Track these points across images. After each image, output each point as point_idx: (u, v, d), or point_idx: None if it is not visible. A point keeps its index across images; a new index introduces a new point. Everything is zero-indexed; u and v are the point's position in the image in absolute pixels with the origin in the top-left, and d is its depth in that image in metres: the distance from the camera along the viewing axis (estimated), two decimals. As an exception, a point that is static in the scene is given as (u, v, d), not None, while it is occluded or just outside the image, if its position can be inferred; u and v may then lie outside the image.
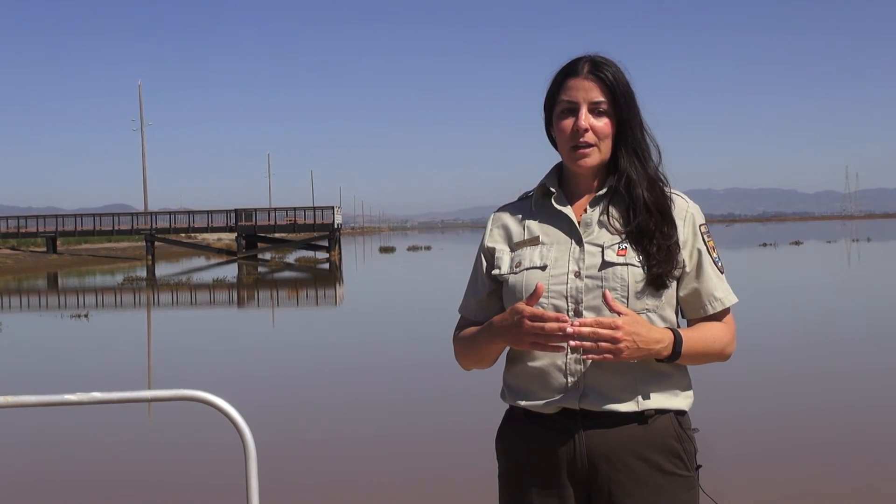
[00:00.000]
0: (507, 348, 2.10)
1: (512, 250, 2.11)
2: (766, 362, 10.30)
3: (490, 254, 2.15)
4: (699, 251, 2.06)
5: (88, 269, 44.02)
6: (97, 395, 2.53)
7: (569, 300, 2.00)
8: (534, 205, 2.15)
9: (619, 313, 1.92)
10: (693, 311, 2.08)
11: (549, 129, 2.14)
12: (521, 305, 1.93)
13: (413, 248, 61.24)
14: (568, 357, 2.00)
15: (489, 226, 2.20)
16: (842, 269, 30.84)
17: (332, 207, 52.92)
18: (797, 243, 53.12)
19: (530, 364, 2.04)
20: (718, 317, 2.09)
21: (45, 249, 52.15)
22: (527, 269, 2.05)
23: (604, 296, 1.95)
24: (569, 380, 2.00)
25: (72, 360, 13.11)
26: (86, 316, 18.94)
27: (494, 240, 2.16)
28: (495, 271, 2.12)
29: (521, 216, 2.15)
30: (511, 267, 2.09)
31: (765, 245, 52.17)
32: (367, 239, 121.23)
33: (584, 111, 2.02)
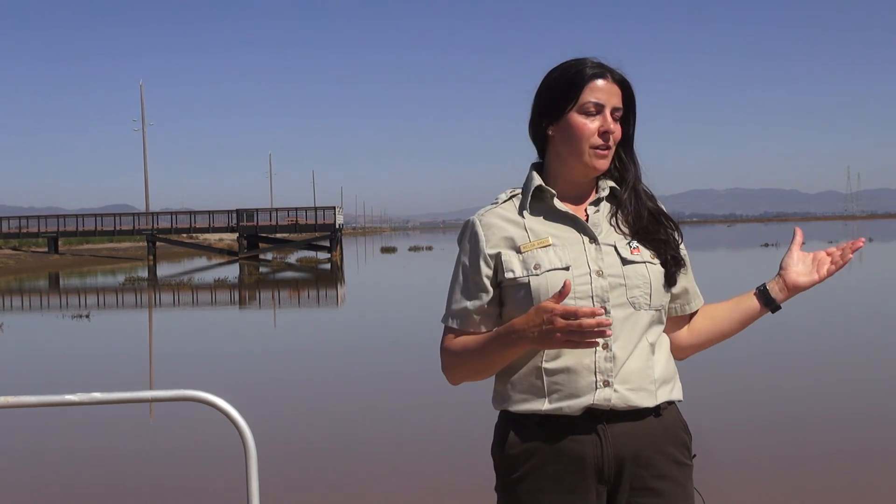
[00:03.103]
0: None
1: (519, 252, 2.04)
2: (757, 362, 10.29)
3: (495, 259, 2.06)
4: (684, 252, 2.16)
5: (90, 270, 44.03)
6: (98, 395, 2.53)
7: (594, 300, 1.99)
8: (528, 207, 2.10)
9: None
10: (679, 306, 2.16)
11: (547, 124, 2.10)
12: (550, 304, 1.87)
13: (414, 249, 61.19)
14: (597, 354, 1.97)
15: (481, 231, 2.09)
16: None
17: (334, 208, 52.94)
18: (799, 244, 52.93)
19: (550, 365, 1.99)
20: (694, 314, 2.19)
21: (46, 250, 52.17)
22: (548, 270, 2.00)
23: (796, 231, 2.16)
24: (598, 378, 1.97)
25: (73, 360, 13.11)
26: (87, 316, 18.94)
27: (495, 245, 2.07)
28: (508, 275, 2.03)
29: (515, 218, 2.09)
30: (527, 269, 2.02)
31: (766, 245, 52.08)
32: (368, 239, 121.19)
33: (607, 114, 2.05)
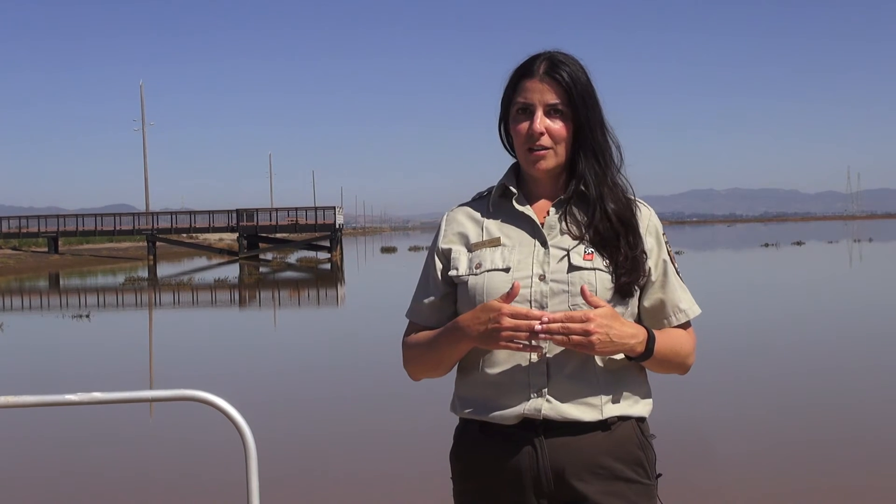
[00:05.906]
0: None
1: (469, 251, 2.03)
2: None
3: (446, 255, 2.07)
4: (664, 262, 2.04)
5: (90, 270, 44.03)
6: (98, 395, 2.53)
7: (532, 304, 1.93)
8: (491, 205, 2.07)
9: (595, 306, 1.87)
10: (656, 321, 2.03)
11: (505, 129, 2.08)
12: (497, 303, 1.86)
13: (414, 249, 61.15)
14: (531, 365, 1.93)
15: (443, 226, 2.11)
16: (842, 267, 30.82)
17: (334, 208, 52.96)
18: (799, 244, 53.08)
19: (489, 371, 1.97)
20: (681, 328, 2.06)
21: (46, 249, 52.17)
22: (488, 270, 1.98)
23: (582, 290, 1.89)
24: (531, 389, 1.94)
25: (73, 360, 13.12)
26: (87, 316, 18.94)
27: (449, 240, 2.08)
28: (452, 272, 2.03)
29: (477, 216, 2.08)
30: (470, 268, 2.01)
31: (766, 245, 52.13)
32: (368, 239, 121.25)
33: (539, 113, 1.97)
